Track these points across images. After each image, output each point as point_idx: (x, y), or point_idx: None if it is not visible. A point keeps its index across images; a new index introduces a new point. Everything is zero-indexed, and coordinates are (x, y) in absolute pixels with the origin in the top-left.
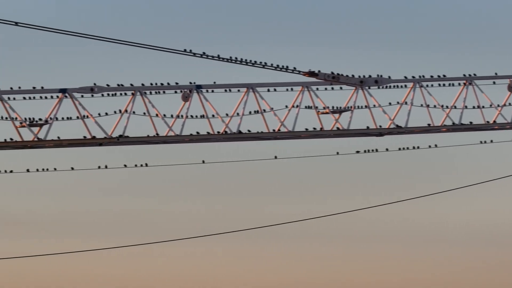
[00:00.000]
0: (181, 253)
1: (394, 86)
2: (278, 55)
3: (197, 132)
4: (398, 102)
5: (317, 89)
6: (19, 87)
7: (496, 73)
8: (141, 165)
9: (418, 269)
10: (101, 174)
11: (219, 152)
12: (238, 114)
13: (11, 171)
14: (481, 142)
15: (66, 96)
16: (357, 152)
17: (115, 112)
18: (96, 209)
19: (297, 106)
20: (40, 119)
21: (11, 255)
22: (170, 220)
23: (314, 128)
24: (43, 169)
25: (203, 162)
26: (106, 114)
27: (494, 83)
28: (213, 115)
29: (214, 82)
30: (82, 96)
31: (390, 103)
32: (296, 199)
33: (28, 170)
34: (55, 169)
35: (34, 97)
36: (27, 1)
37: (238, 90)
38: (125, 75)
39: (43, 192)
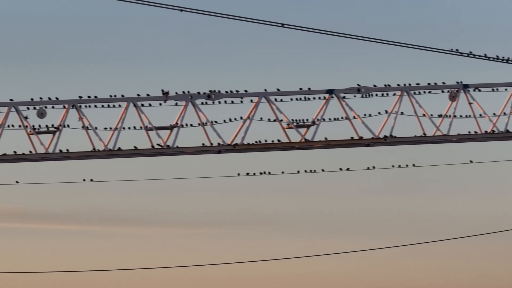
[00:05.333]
0: (450, 253)
1: None
2: None
3: (466, 132)
4: None
5: None
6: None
7: None
8: (407, 166)
9: None
10: (369, 174)
11: (487, 152)
12: (505, 113)
13: (282, 172)
14: None
15: (332, 97)
16: None
17: (379, 113)
18: (364, 209)
19: None
20: (307, 120)
21: (283, 255)
22: (437, 220)
23: None
24: (310, 170)
25: (471, 162)
26: (370, 115)
27: None
28: (480, 115)
29: (481, 82)
30: (352, 96)
31: None
32: None
33: (298, 172)
34: (323, 170)
35: (301, 98)
36: (294, 2)
37: (506, 89)
38: (391, 75)
39: (311, 192)
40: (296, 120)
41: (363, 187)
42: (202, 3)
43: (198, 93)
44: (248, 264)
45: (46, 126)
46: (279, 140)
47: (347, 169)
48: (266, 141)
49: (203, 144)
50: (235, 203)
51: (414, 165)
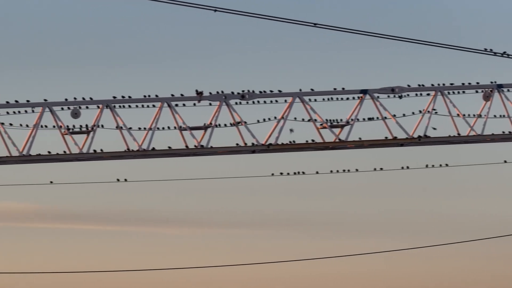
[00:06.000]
0: (482, 254)
1: None
2: None
3: (501, 132)
4: None
5: None
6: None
7: None
8: (440, 165)
9: None
10: (403, 174)
11: None
12: None
13: (316, 172)
14: None
15: (366, 97)
16: None
17: (413, 112)
18: (399, 209)
19: None
20: (341, 120)
21: (312, 255)
22: (471, 220)
23: None
24: (343, 170)
25: (505, 162)
26: (404, 115)
27: None
28: None
29: None
30: (386, 96)
31: None
32: None
33: (331, 171)
34: (356, 170)
35: (335, 98)
36: (327, 1)
37: None
38: (425, 75)
39: (345, 192)
40: (330, 120)
41: (397, 187)
42: (236, 3)
43: (232, 93)
44: (282, 264)
45: (80, 126)
46: (313, 140)
47: (381, 169)
48: (300, 141)
49: (237, 144)
50: (269, 203)
51: (447, 165)
